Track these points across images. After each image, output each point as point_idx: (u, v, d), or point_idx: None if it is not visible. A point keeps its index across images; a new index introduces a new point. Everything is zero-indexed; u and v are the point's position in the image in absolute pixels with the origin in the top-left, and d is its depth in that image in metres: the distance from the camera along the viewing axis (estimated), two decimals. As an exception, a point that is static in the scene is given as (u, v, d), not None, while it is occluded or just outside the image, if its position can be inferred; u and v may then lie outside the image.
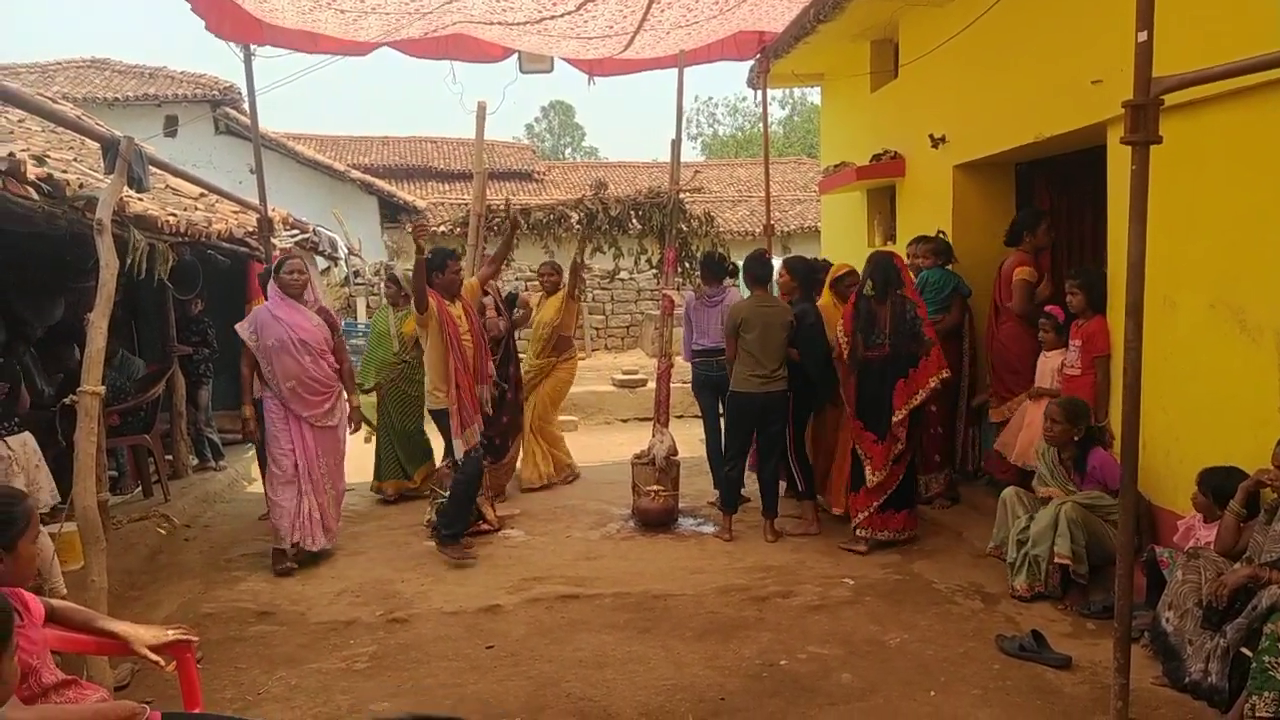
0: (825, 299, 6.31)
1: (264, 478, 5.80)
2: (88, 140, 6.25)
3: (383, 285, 7.34)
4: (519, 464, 7.50)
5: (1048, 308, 5.53)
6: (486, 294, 6.84)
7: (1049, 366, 5.46)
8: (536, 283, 8.24)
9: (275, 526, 5.48)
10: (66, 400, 4.23)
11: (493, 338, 6.70)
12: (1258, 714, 3.04)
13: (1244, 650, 3.32)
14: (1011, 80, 5.82)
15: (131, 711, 2.23)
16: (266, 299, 5.74)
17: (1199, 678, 3.51)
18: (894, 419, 5.47)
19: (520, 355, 7.60)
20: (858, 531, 5.63)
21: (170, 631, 2.63)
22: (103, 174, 4.88)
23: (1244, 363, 4.00)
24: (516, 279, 15.09)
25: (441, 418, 5.72)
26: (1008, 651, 4.04)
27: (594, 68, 8.02)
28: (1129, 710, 3.35)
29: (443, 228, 15.84)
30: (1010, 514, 4.94)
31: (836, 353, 5.79)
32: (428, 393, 5.85)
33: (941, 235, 6.53)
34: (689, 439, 7.82)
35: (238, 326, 5.55)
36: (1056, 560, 4.55)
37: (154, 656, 2.53)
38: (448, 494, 5.78)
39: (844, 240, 9.31)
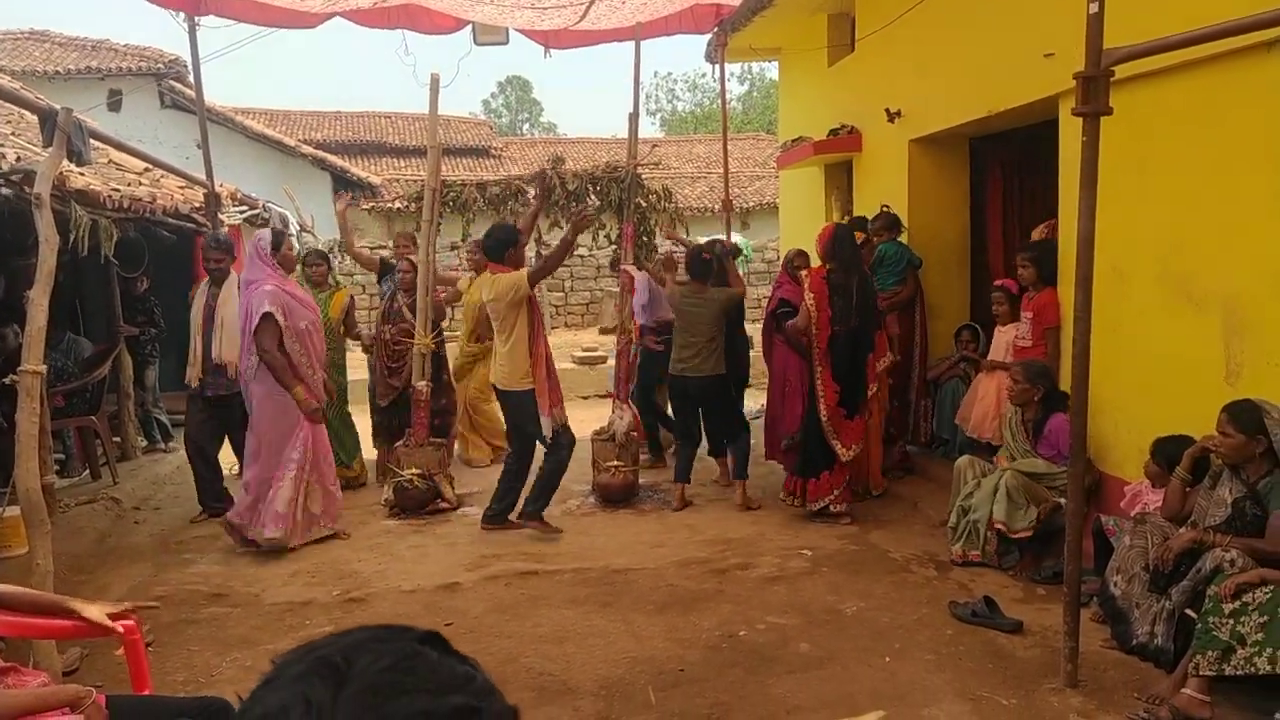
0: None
1: (247, 468, 5.48)
2: (26, 114, 6.06)
3: (303, 265, 6.67)
4: (457, 445, 7.35)
5: (1000, 281, 5.61)
6: (411, 270, 6.62)
7: (1003, 340, 5.55)
8: (466, 262, 7.84)
9: (276, 523, 5.27)
10: (5, 380, 4.10)
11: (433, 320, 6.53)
12: (1201, 671, 3.13)
13: (1188, 612, 3.41)
14: (966, 54, 5.86)
15: (76, 695, 2.18)
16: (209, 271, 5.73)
17: (1146, 639, 3.61)
18: (869, 393, 5.55)
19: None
20: (831, 508, 5.58)
21: (115, 607, 2.58)
22: (41, 148, 4.72)
23: (1191, 332, 4.08)
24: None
25: (521, 399, 5.37)
26: (960, 617, 4.11)
27: (550, 39, 7.91)
28: (1078, 672, 3.44)
29: (398, 204, 15.68)
30: (961, 482, 5.03)
31: (803, 329, 5.62)
32: (504, 375, 5.39)
33: (886, 208, 6.56)
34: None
35: (268, 307, 5.22)
36: (994, 525, 4.64)
37: (107, 622, 2.47)
38: (541, 474, 5.52)
39: (802, 216, 9.34)
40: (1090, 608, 3.95)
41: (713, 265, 6.09)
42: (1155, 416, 4.23)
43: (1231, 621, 3.09)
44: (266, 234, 5.56)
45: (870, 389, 5.64)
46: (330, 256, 7.00)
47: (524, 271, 5.31)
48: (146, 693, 2.60)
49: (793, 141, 8.59)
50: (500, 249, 5.35)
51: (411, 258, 6.75)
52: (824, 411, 5.53)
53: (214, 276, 5.93)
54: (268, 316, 5.21)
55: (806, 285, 5.58)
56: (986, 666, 3.69)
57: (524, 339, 5.31)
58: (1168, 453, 3.96)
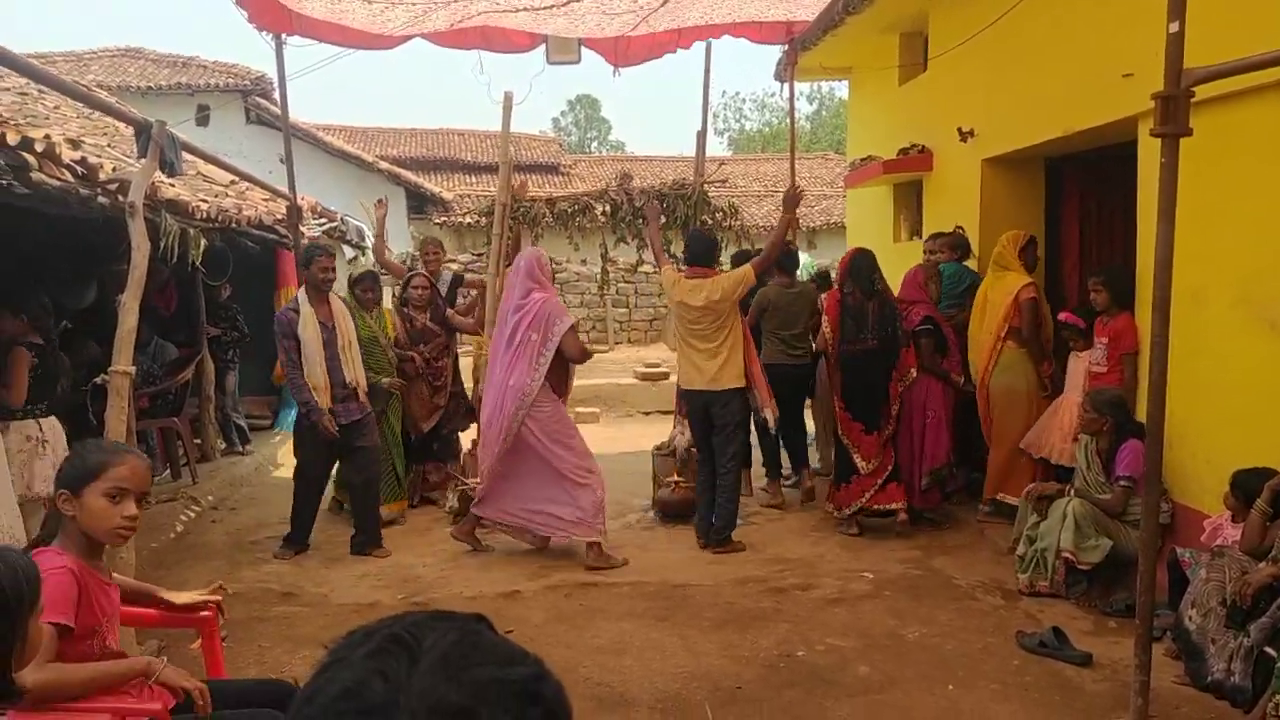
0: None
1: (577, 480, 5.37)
2: (121, 127, 6.36)
3: (352, 288, 6.31)
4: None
5: (1064, 316, 5.48)
6: (425, 286, 6.53)
7: (1079, 367, 5.41)
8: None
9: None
10: (98, 380, 4.31)
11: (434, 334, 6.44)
12: (1281, 713, 3.01)
13: (1267, 650, 3.29)
14: (1041, 73, 5.77)
15: (147, 666, 2.27)
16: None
17: (1221, 677, 3.48)
18: (891, 410, 5.67)
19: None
20: (860, 519, 5.78)
21: (201, 593, 2.72)
22: (135, 159, 4.95)
23: (1271, 359, 3.95)
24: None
25: (732, 398, 5.55)
26: (1027, 648, 4.02)
27: (619, 55, 7.91)
28: (1150, 708, 3.33)
29: (469, 218, 15.97)
30: (1028, 510, 4.92)
31: (821, 346, 6.06)
32: (716, 376, 5.50)
33: (960, 230, 6.49)
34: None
35: (569, 319, 5.33)
36: (1062, 554, 4.53)
37: (198, 598, 2.67)
38: (722, 493, 5.62)
39: (869, 236, 9.25)
40: (1163, 642, 3.83)
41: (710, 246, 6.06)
42: (1235, 447, 4.09)
43: (1314, 661, 2.97)
44: (538, 252, 5.57)
45: (893, 408, 5.71)
46: (380, 280, 6.65)
47: (747, 268, 5.62)
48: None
49: (861, 160, 8.54)
50: (711, 254, 5.72)
51: (426, 272, 6.69)
52: (841, 427, 5.78)
53: (321, 289, 5.55)
54: (573, 328, 5.32)
55: (824, 308, 6.02)
56: (1053, 699, 3.60)
57: (739, 340, 5.57)
58: (1247, 486, 3.82)
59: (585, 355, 5.52)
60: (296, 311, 5.45)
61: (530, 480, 5.37)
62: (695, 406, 5.73)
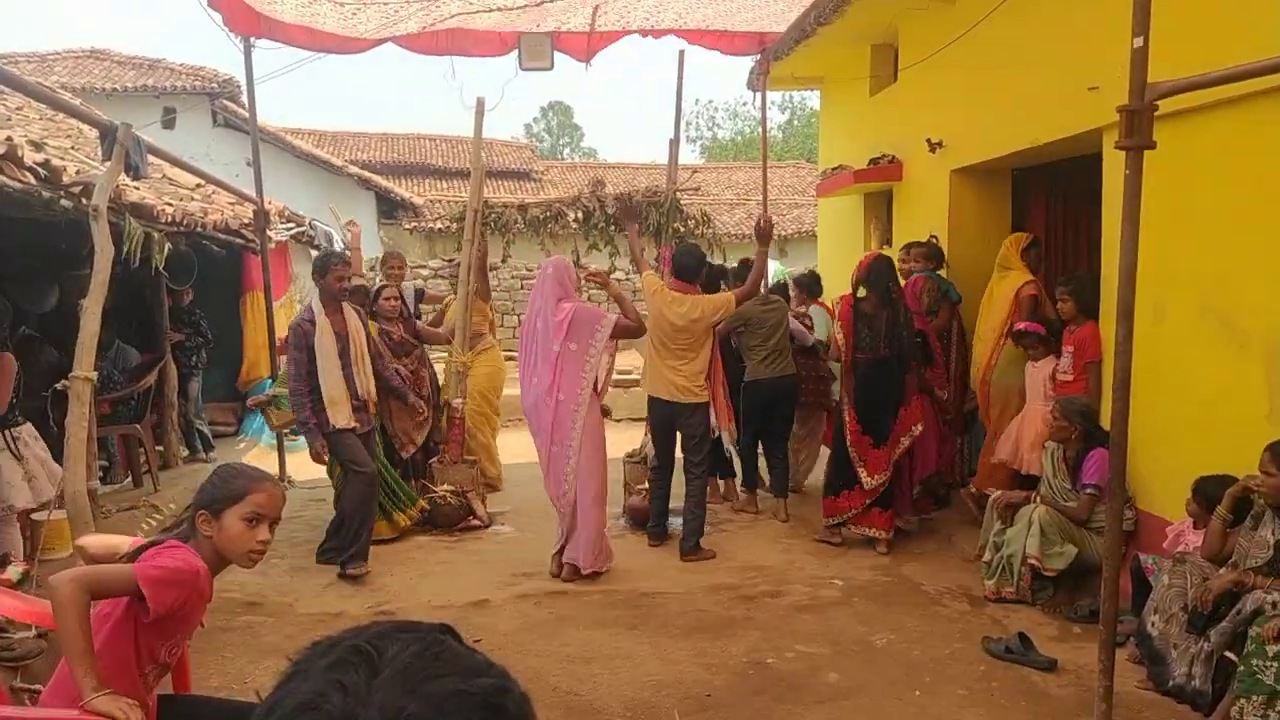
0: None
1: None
2: (85, 129, 6.27)
3: (382, 298, 6.30)
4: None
5: (1022, 325, 5.55)
6: (395, 298, 6.45)
7: (1039, 376, 5.49)
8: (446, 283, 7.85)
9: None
10: (59, 385, 4.23)
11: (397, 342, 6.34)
12: (1245, 717, 3.06)
13: (1228, 654, 3.34)
14: (1010, 86, 5.86)
15: (88, 689, 2.11)
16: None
17: (1183, 681, 3.54)
18: (903, 425, 5.53)
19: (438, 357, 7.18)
20: (844, 530, 5.70)
21: None
22: (100, 162, 4.89)
23: (1232, 369, 4.02)
24: (512, 277, 15.12)
25: (696, 410, 5.57)
26: (994, 653, 4.06)
27: (590, 47, 7.81)
28: (1113, 713, 3.36)
29: (439, 224, 15.90)
30: (994, 517, 4.97)
31: (834, 353, 5.89)
32: (682, 388, 5.52)
33: (934, 240, 6.56)
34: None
35: (611, 316, 5.28)
36: (1028, 561, 4.58)
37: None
38: (690, 501, 5.61)
39: (840, 244, 9.32)
40: (1126, 647, 3.89)
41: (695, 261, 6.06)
42: (1197, 455, 4.16)
43: (1276, 665, 3.03)
44: (563, 259, 5.49)
45: (905, 422, 5.58)
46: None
47: (730, 295, 5.65)
48: (186, 693, 2.65)
49: (833, 170, 8.61)
50: (697, 269, 5.72)
51: (395, 287, 6.59)
52: (849, 438, 5.58)
53: (338, 299, 5.39)
54: (617, 321, 5.20)
55: (837, 314, 5.75)
56: (1019, 704, 3.64)
57: (707, 359, 5.60)
58: (1209, 492, 3.89)
59: (642, 326, 5.42)
60: (313, 323, 5.28)
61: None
62: (660, 415, 5.73)
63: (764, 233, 5.80)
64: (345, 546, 5.26)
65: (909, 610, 4.66)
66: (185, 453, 8.04)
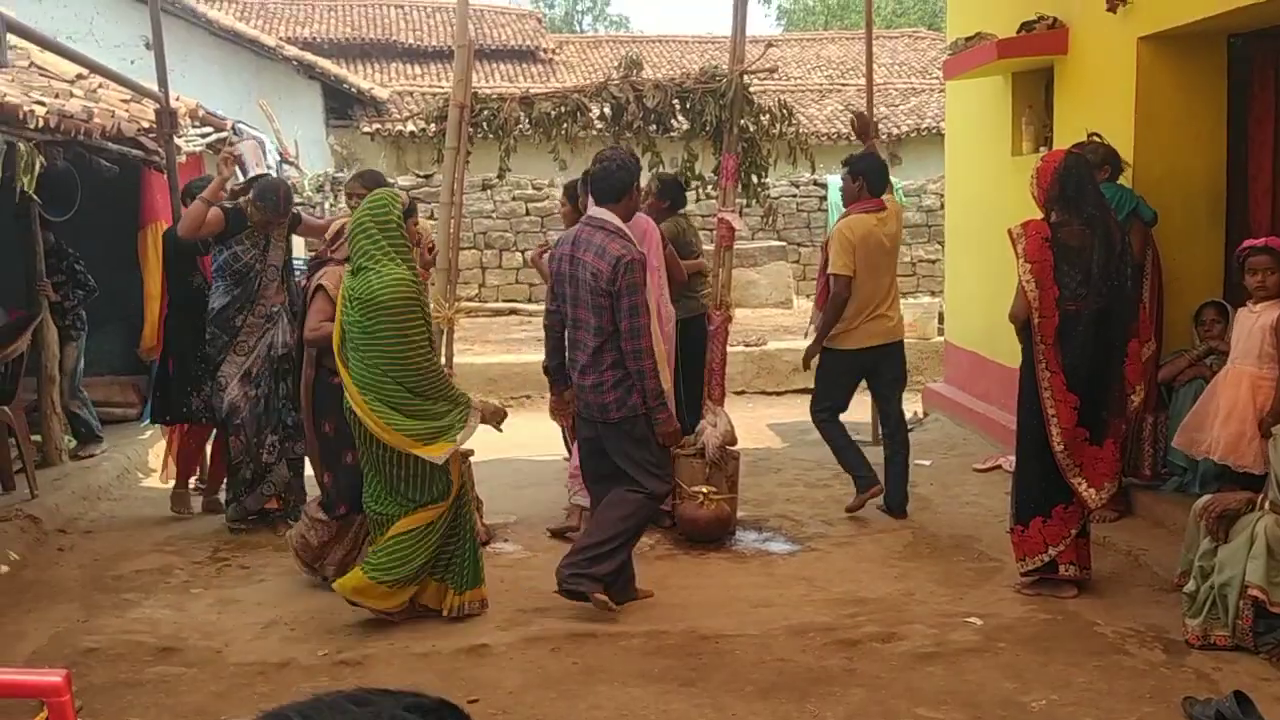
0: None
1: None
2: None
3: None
4: None
5: (1254, 241, 5.43)
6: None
7: (1255, 325, 5.38)
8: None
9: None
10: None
11: None
12: None
13: None
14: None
15: None
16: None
17: None
18: (1133, 400, 5.33)
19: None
20: (1062, 570, 5.33)
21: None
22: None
23: None
24: (514, 198, 15.17)
25: (901, 350, 6.87)
26: (1199, 720, 4.04)
27: None
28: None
29: (411, 125, 15.94)
30: (1200, 531, 4.91)
31: (1021, 311, 5.28)
32: (897, 323, 6.76)
33: (1096, 137, 6.43)
34: (751, 423, 7.83)
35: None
36: (1248, 593, 4.52)
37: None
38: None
39: (978, 147, 9.22)
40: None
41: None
42: None
43: None
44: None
45: (1133, 398, 5.33)
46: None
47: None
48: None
49: (967, 40, 8.49)
50: (882, 179, 6.66)
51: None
52: (1057, 436, 5.20)
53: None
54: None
55: (1021, 249, 5.24)
56: (1234, 791, 3.62)
57: None
58: None
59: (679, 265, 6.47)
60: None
61: None
62: (862, 364, 6.65)
63: (864, 127, 5.79)
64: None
65: (1078, 661, 4.64)
66: (72, 444, 8.16)
